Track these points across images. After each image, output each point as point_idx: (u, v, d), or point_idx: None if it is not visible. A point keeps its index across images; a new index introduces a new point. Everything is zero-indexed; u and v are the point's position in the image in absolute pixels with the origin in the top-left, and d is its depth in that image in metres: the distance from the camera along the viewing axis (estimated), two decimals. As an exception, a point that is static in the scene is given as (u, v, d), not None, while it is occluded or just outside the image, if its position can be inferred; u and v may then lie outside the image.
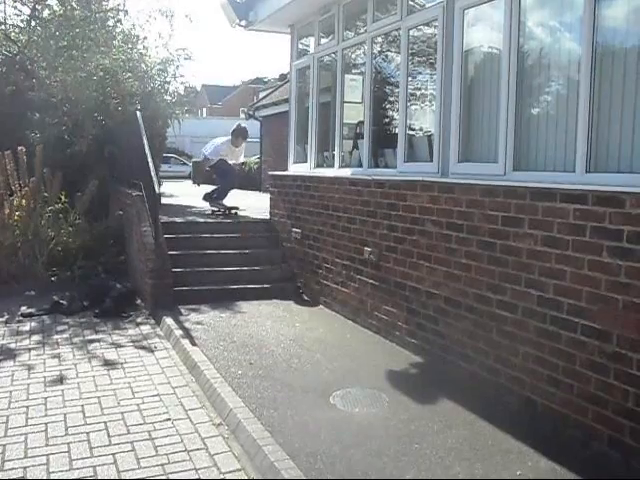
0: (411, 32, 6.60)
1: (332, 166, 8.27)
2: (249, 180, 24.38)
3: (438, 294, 5.79)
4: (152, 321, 7.64)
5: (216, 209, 11.11)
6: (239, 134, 11.30)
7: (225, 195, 11.31)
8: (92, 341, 6.82)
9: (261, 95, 30.52)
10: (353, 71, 8.33)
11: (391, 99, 7.37)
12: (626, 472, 3.91)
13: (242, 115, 33.43)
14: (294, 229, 8.86)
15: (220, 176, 11.51)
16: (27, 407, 5.02)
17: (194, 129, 41.78)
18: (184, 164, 40.16)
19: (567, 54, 4.90)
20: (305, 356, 6.08)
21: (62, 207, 10.07)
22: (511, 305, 4.90)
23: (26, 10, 13.25)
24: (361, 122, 7.68)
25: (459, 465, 3.95)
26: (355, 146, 7.97)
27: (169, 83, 14.21)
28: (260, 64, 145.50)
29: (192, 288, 8.22)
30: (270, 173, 10.52)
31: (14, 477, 3.96)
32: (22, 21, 13.38)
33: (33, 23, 13.15)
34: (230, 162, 11.37)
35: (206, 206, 11.92)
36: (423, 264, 6.00)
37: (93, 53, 12.37)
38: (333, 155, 8.30)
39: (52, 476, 3.97)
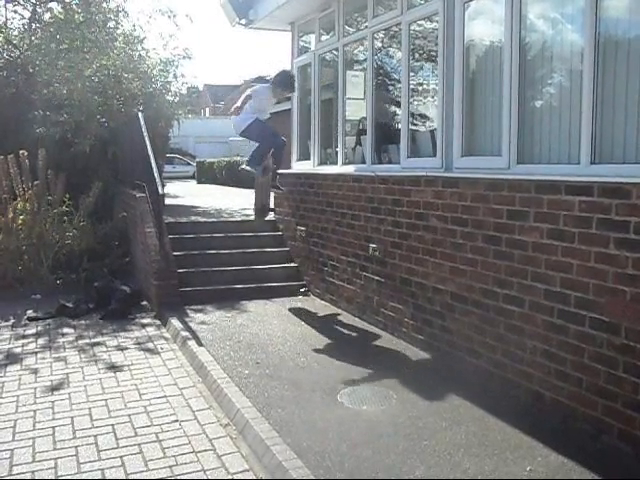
0: (412, 27, 6.56)
1: (335, 163, 8.24)
2: (252, 179, 24.36)
3: (444, 289, 5.76)
4: (158, 322, 7.63)
5: (250, 169, 8.11)
6: (286, 83, 7.78)
7: (261, 158, 8.11)
8: (98, 344, 6.82)
9: (263, 94, 30.53)
10: (355, 67, 8.29)
11: (393, 95, 7.34)
12: (637, 465, 3.88)
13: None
14: (298, 227, 8.84)
15: (257, 138, 8.01)
16: (34, 411, 5.02)
17: (197, 129, 41.89)
18: (188, 164, 40.21)
19: (569, 46, 4.86)
20: (312, 354, 6.06)
21: (66, 210, 10.08)
22: (518, 299, 4.87)
23: (26, 14, 13.31)
24: (364, 118, 7.64)
25: (468, 461, 3.92)
26: (358, 142, 7.94)
27: (171, 83, 14.26)
28: (262, 63, 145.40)
29: (197, 288, 8.21)
30: (273, 171, 10.48)
31: (22, 481, 3.96)
32: (23, 25, 13.42)
33: (34, 26, 13.16)
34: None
35: (209, 206, 11.90)
36: (428, 259, 5.97)
37: (94, 55, 12.38)
38: (336, 152, 8.27)
39: (60, 479, 3.97)
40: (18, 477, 4.00)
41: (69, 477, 3.99)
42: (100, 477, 3.98)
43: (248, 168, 8.16)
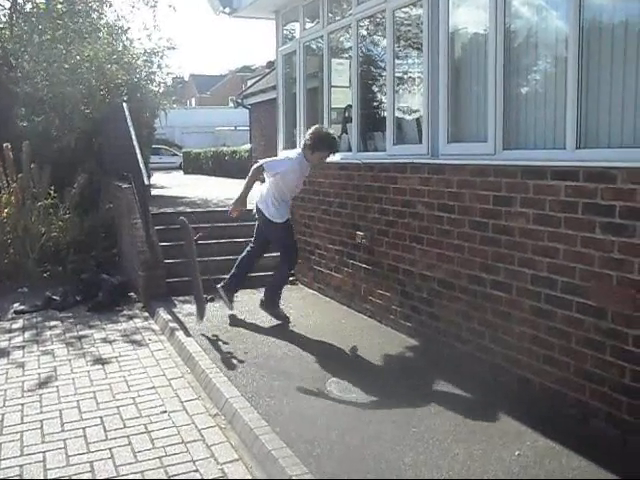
0: (396, 13, 6.52)
1: (322, 151, 8.19)
2: (239, 168, 24.37)
3: (431, 276, 5.76)
4: (146, 313, 7.60)
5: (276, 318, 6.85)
6: (324, 143, 6.58)
7: (280, 288, 7.18)
8: (86, 336, 6.78)
9: (249, 83, 30.46)
10: (340, 55, 8.25)
11: (379, 82, 7.31)
12: (623, 449, 3.90)
13: (231, 104, 33.32)
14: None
15: (278, 246, 7.20)
16: (22, 405, 4.99)
17: (183, 119, 41.75)
18: (174, 155, 40.07)
19: (554, 32, 4.84)
20: (300, 343, 6.05)
21: (52, 202, 10.01)
22: (505, 285, 4.88)
23: (7, 4, 13.16)
24: (349, 106, 7.61)
25: (457, 447, 3.93)
26: (344, 130, 7.90)
27: (155, 74, 14.18)
28: (247, 52, 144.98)
29: (185, 279, 8.14)
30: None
31: (11, 476, 3.93)
32: (4, 15, 13.28)
33: (15, 17, 13.02)
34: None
35: (196, 196, 11.82)
36: (415, 247, 5.97)
37: (77, 45, 12.28)
38: (322, 140, 8.21)
39: (49, 473, 3.94)
40: (7, 471, 3.97)
41: (58, 470, 3.97)
42: (89, 469, 3.97)
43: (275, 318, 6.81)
